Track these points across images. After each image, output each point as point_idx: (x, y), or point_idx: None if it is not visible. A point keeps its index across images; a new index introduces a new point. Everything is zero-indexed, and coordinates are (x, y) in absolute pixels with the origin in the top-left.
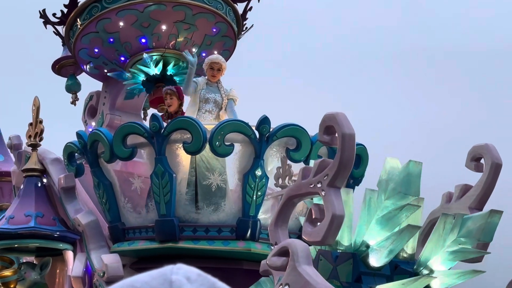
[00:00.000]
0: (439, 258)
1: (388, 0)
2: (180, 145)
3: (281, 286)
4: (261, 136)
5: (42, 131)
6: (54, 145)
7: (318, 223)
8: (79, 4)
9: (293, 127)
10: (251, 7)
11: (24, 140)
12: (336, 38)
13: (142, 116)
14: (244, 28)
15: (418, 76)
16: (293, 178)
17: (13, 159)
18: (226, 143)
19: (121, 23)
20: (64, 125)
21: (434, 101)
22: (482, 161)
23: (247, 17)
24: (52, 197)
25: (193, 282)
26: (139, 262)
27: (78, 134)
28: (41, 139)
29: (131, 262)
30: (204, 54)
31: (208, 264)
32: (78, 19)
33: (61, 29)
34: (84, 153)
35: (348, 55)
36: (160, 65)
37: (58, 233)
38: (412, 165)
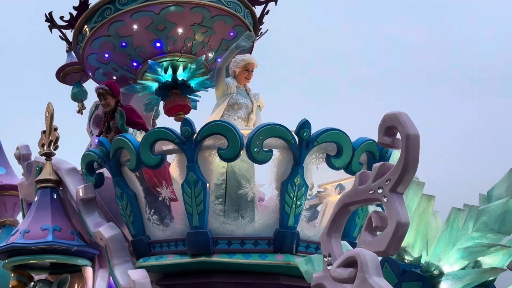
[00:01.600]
0: (451, 258)
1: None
2: (214, 152)
3: None
4: (301, 141)
5: (57, 139)
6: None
7: (379, 232)
8: (90, 6)
9: (335, 131)
10: (268, 10)
11: (34, 150)
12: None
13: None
14: (259, 33)
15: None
16: None
17: (14, 172)
18: (265, 149)
19: (135, 26)
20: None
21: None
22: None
23: (263, 20)
24: (67, 210)
25: None
26: (166, 278)
27: (100, 142)
28: (56, 148)
29: (157, 278)
30: (219, 60)
31: (243, 279)
32: (88, 22)
33: (68, 33)
34: (106, 161)
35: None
36: (170, 70)
37: (76, 247)
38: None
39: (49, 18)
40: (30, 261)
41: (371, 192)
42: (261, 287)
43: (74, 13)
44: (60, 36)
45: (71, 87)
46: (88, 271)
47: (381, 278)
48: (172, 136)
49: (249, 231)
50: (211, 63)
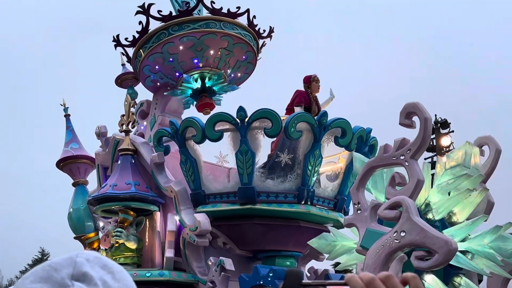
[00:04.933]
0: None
1: None
2: (260, 131)
3: (396, 233)
4: (320, 126)
5: (134, 121)
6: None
7: (400, 187)
8: (150, 31)
9: (343, 120)
10: (265, 44)
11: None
12: None
13: None
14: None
15: None
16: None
17: (83, 146)
18: (297, 130)
19: (181, 47)
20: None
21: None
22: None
23: (261, 50)
24: (141, 171)
25: (91, 262)
26: (216, 221)
27: (171, 122)
28: (133, 127)
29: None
30: (232, 75)
31: (274, 222)
32: (147, 42)
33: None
34: (175, 136)
35: None
36: (199, 80)
37: (151, 197)
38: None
39: (116, 39)
40: (117, 207)
41: (394, 158)
42: (286, 228)
43: (137, 35)
44: (121, 53)
45: (126, 90)
46: (157, 214)
47: (420, 218)
48: (230, 118)
49: (281, 188)
50: (229, 76)
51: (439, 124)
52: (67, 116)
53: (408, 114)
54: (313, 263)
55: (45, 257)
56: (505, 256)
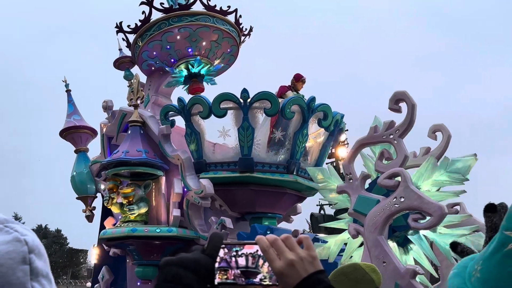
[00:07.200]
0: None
1: None
2: (260, 110)
3: (395, 199)
4: (309, 109)
5: (143, 96)
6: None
7: (387, 161)
8: (151, 20)
9: (326, 105)
10: (244, 41)
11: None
12: None
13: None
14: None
15: None
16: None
17: (84, 118)
18: (291, 111)
19: (178, 37)
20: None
21: None
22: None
23: (240, 46)
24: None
25: None
26: (215, 186)
27: (179, 99)
28: (142, 102)
29: None
30: (217, 65)
31: (266, 188)
32: (148, 30)
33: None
34: (182, 112)
35: None
36: (185, 69)
37: (159, 163)
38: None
39: (119, 25)
40: (129, 170)
41: (384, 137)
42: (274, 194)
43: (139, 24)
44: (122, 38)
45: (123, 72)
46: (163, 179)
47: (414, 187)
48: (235, 98)
49: (274, 159)
50: (215, 65)
51: None
52: (68, 91)
53: (397, 100)
54: (282, 224)
55: None
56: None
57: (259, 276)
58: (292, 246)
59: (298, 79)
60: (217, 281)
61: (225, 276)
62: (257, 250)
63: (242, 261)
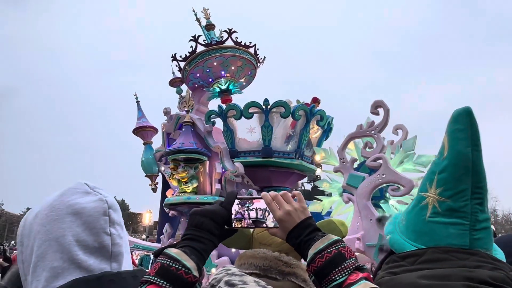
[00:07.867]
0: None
1: None
2: (276, 114)
3: (379, 175)
4: (311, 112)
5: (192, 104)
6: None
7: (370, 149)
8: (197, 52)
9: (322, 110)
10: (259, 66)
11: (173, 109)
12: None
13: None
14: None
15: None
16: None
17: (148, 120)
18: (299, 115)
19: (215, 63)
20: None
21: None
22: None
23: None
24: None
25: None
26: (245, 168)
27: (219, 106)
28: (192, 108)
29: None
30: (239, 83)
31: (280, 170)
32: (194, 59)
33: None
34: (221, 115)
35: None
36: (223, 85)
37: (205, 152)
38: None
39: (174, 56)
40: (184, 156)
41: (368, 132)
42: (285, 173)
43: (188, 54)
44: (176, 65)
45: (175, 88)
46: (207, 163)
47: (392, 167)
48: (259, 104)
49: (286, 149)
50: (239, 83)
51: None
52: (137, 102)
53: (376, 106)
54: None
55: None
56: None
57: (264, 224)
58: (288, 199)
59: (315, 102)
60: (234, 226)
61: (240, 225)
62: (263, 205)
63: (253, 214)
